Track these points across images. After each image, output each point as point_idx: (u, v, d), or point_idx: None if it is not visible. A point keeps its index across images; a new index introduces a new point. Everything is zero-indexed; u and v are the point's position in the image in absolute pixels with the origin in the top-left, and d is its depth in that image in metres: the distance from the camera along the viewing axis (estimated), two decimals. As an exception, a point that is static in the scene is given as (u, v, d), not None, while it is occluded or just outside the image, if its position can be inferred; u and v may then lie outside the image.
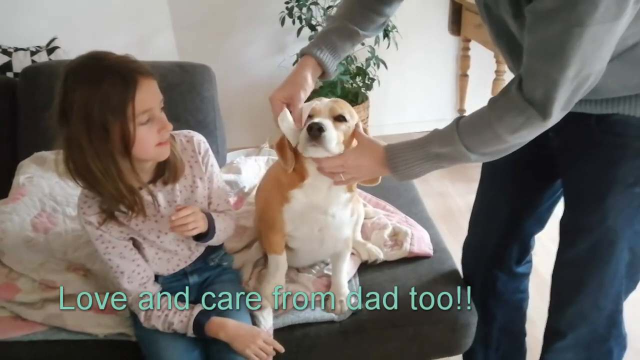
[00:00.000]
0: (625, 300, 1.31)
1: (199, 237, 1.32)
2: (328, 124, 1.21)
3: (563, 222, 1.29)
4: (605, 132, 1.14)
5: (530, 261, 1.56)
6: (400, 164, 1.17)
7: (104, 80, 1.10)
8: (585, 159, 1.20)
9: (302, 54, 1.31)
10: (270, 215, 1.40)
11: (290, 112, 1.25)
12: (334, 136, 1.21)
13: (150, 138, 1.17)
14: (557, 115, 1.00)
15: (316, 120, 1.21)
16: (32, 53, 2.44)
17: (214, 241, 1.36)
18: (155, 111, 1.17)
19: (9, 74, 2.35)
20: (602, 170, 1.17)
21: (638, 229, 1.20)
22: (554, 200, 1.42)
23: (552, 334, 1.39)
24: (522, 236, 1.47)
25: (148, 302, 1.31)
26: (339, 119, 1.25)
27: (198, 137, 1.37)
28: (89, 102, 1.09)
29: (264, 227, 1.45)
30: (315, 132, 1.18)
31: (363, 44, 3.11)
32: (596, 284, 1.26)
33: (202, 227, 1.27)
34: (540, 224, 1.47)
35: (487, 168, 1.48)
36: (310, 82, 1.27)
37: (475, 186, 1.53)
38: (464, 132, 1.09)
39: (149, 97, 1.15)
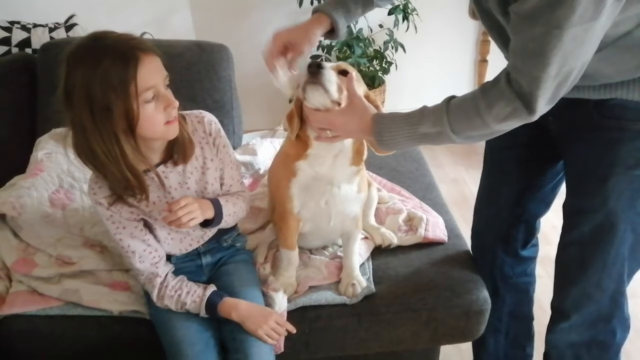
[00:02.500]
0: (629, 282, 1.32)
1: (206, 223, 1.31)
2: (328, 65, 1.21)
3: (566, 205, 1.31)
4: (604, 117, 1.15)
5: (536, 245, 1.56)
6: (386, 137, 1.18)
7: (104, 59, 1.08)
8: (585, 142, 1.21)
9: (316, 10, 1.31)
10: (280, 194, 1.40)
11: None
12: (333, 77, 1.20)
13: (157, 116, 1.16)
14: (542, 109, 1.03)
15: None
16: (51, 30, 2.43)
17: (222, 225, 1.35)
18: (160, 88, 1.16)
19: (28, 50, 2.35)
20: (601, 153, 1.18)
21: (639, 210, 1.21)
22: (557, 181, 1.42)
23: (556, 315, 1.40)
24: (527, 217, 1.47)
25: (160, 282, 1.32)
26: (343, 73, 1.26)
27: (209, 118, 1.35)
28: (90, 82, 1.08)
29: (277, 217, 1.46)
30: (314, 69, 1.18)
31: (381, 26, 3.08)
32: (599, 265, 1.27)
33: (199, 216, 1.24)
34: (545, 205, 1.48)
35: (489, 150, 1.50)
36: (316, 40, 1.28)
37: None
38: (453, 116, 1.11)
39: (151, 73, 1.13)
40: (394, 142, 1.18)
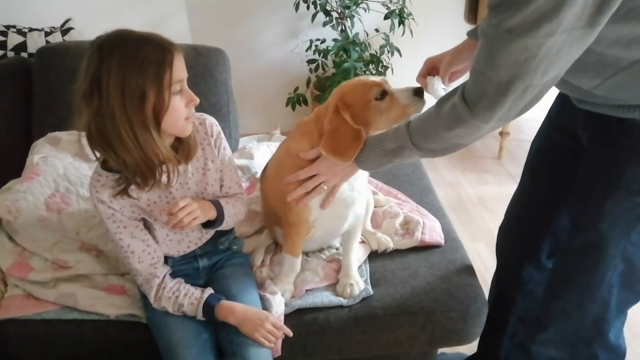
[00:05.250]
0: (622, 312, 1.30)
1: (208, 225, 1.33)
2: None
3: (569, 215, 1.31)
4: (622, 135, 1.13)
5: None
6: (362, 157, 1.27)
7: (142, 47, 1.12)
8: (597, 157, 1.19)
9: (468, 35, 1.37)
10: (295, 204, 1.36)
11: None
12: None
13: (182, 110, 1.20)
14: (488, 117, 1.02)
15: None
16: (47, 34, 2.43)
17: (223, 226, 1.36)
18: (185, 83, 1.20)
19: (24, 54, 2.36)
20: (608, 171, 1.16)
21: (635, 239, 1.18)
22: None
23: (537, 324, 1.40)
24: (555, 228, 1.45)
25: (158, 283, 1.32)
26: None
27: (210, 120, 1.37)
28: (127, 68, 1.11)
29: (286, 224, 1.43)
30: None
31: (377, 31, 3.09)
32: (582, 285, 1.26)
33: (200, 216, 1.26)
34: None
35: (530, 153, 1.48)
36: (461, 61, 1.35)
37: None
38: (412, 128, 1.16)
39: (181, 67, 1.18)
40: (370, 162, 1.27)
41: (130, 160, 1.17)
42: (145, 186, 1.23)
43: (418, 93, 1.30)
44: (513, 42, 0.89)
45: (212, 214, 1.31)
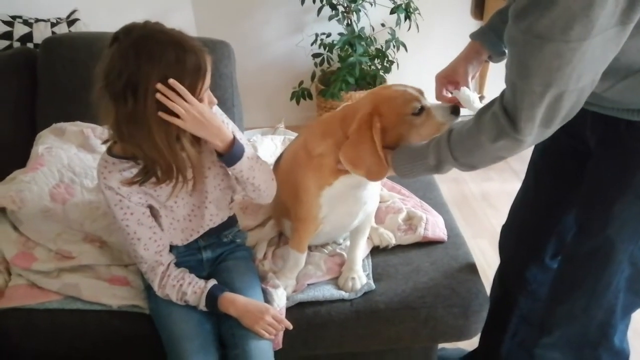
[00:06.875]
0: (627, 315, 1.30)
1: (226, 159, 1.26)
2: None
3: (576, 220, 1.29)
4: (632, 137, 1.11)
5: None
6: (405, 172, 1.25)
7: (182, 57, 1.13)
8: (606, 161, 1.18)
9: (471, 37, 1.34)
10: (307, 200, 1.36)
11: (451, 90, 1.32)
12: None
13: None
14: (529, 129, 0.98)
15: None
16: (53, 24, 2.44)
17: (246, 175, 1.28)
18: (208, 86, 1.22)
19: (30, 45, 2.36)
20: (618, 175, 1.15)
21: None
22: None
23: (541, 328, 1.39)
24: (560, 230, 1.44)
25: (163, 271, 1.32)
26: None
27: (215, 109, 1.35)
28: (165, 79, 1.11)
29: (295, 219, 1.42)
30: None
31: (383, 25, 3.08)
32: (588, 290, 1.25)
33: (187, 120, 1.16)
34: None
35: (535, 151, 1.45)
36: (469, 70, 1.31)
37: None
38: (453, 141, 1.12)
39: (209, 75, 1.20)
40: (413, 174, 1.24)
41: (161, 160, 1.19)
42: (167, 182, 1.24)
43: (455, 111, 1.25)
44: (544, 48, 0.85)
45: (222, 137, 1.23)
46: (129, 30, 1.14)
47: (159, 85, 1.12)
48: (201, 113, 1.17)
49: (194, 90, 1.16)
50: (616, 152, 1.15)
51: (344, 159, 1.25)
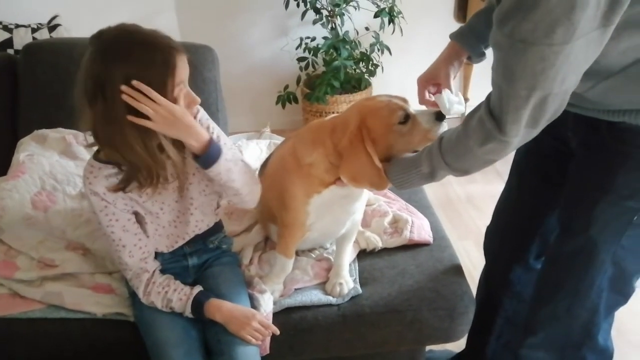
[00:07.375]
0: (610, 314, 1.31)
1: (202, 160, 1.22)
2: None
3: (559, 220, 1.30)
4: (613, 138, 1.12)
5: None
6: (400, 182, 1.25)
7: (148, 54, 1.12)
8: (588, 162, 1.19)
9: (451, 37, 1.33)
10: (295, 207, 1.35)
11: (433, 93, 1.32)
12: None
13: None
14: (514, 131, 0.99)
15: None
16: (34, 30, 2.42)
17: (225, 179, 1.25)
18: (186, 84, 1.19)
19: (10, 51, 2.34)
20: (599, 176, 1.16)
21: (626, 244, 1.18)
22: None
23: (525, 328, 1.40)
24: (544, 231, 1.45)
25: (148, 278, 1.31)
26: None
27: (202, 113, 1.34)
28: (132, 78, 1.10)
29: (282, 225, 1.42)
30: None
31: (367, 29, 3.09)
32: (571, 290, 1.26)
33: (157, 120, 1.13)
34: None
35: (517, 153, 1.46)
36: (449, 71, 1.30)
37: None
38: (444, 148, 1.13)
39: (184, 67, 1.17)
40: (409, 184, 1.25)
41: (140, 163, 1.18)
42: (149, 186, 1.23)
43: (439, 117, 1.25)
44: (528, 52, 0.86)
45: (196, 137, 1.19)
46: (101, 34, 1.15)
47: (123, 87, 1.11)
48: (171, 112, 1.14)
49: (163, 88, 1.13)
50: (598, 154, 1.16)
51: (345, 178, 1.26)
